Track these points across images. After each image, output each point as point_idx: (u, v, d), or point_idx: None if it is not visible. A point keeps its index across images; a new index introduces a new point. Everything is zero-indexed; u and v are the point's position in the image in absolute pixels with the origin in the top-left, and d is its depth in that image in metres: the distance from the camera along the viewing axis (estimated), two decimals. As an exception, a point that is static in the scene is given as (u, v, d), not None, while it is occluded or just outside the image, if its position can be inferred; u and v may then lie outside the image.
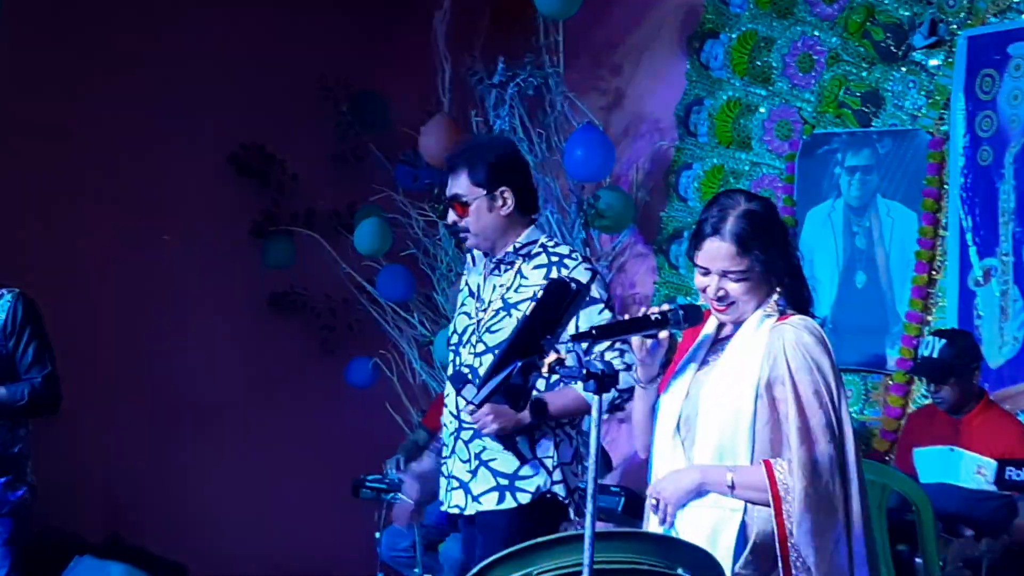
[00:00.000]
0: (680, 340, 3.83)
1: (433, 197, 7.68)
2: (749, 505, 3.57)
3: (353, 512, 6.90)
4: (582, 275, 4.36)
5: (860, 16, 6.86)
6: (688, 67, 7.61)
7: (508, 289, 4.54)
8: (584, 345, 4.18)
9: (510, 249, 4.57)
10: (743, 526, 3.57)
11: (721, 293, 3.64)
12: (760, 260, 3.61)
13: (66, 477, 6.77)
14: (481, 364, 4.52)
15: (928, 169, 6.61)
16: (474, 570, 3.34)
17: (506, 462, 4.48)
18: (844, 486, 3.54)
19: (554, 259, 4.53)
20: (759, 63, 7.29)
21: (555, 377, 3.66)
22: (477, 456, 4.51)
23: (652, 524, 3.69)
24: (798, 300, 3.69)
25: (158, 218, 7.73)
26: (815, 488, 3.49)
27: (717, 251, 3.62)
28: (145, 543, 7.37)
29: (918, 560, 5.45)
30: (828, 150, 6.98)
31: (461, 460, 4.56)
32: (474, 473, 4.52)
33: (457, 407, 4.56)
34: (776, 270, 3.65)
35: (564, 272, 4.45)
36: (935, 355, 5.86)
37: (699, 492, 3.61)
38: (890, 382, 6.67)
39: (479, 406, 4.21)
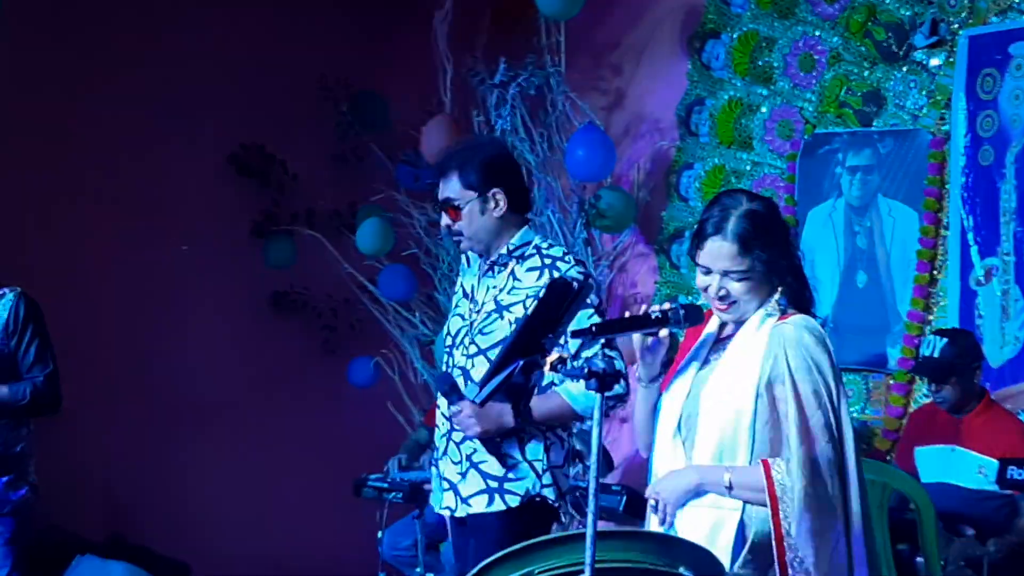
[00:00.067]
0: (682, 340, 3.83)
1: (434, 197, 7.67)
2: (747, 505, 3.57)
3: (355, 511, 6.90)
4: (573, 277, 4.34)
5: (861, 16, 6.87)
6: (689, 67, 7.61)
7: (501, 291, 4.52)
8: (573, 350, 4.19)
9: (504, 251, 4.54)
10: (741, 526, 3.58)
11: (723, 293, 3.64)
12: (762, 260, 3.61)
13: (67, 477, 6.77)
14: (474, 366, 4.51)
15: (929, 169, 6.61)
16: (474, 570, 3.34)
17: (496, 465, 4.47)
18: (843, 486, 3.54)
19: (547, 261, 4.50)
20: (760, 63, 7.30)
21: (548, 379, 3.65)
22: (468, 458, 4.50)
23: (652, 524, 3.70)
24: (799, 300, 3.69)
25: (158, 218, 7.72)
26: (814, 488, 3.49)
27: (719, 251, 3.62)
28: (147, 543, 7.38)
29: (919, 559, 5.45)
30: (829, 150, 6.98)
31: (452, 462, 4.55)
32: (464, 475, 4.51)
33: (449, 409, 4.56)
34: (778, 270, 3.65)
35: (557, 275, 4.43)
36: (936, 354, 5.86)
37: (697, 492, 3.61)
38: (891, 381, 6.67)
39: (481, 405, 4.20)
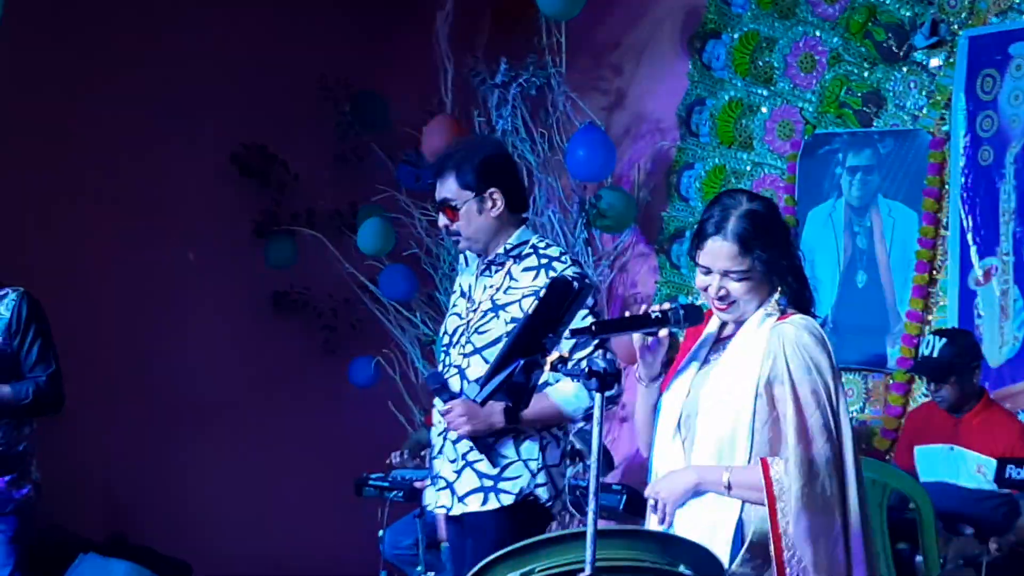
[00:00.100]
0: (682, 340, 3.84)
1: (433, 197, 7.67)
2: (746, 504, 3.57)
3: (356, 510, 6.90)
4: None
5: (862, 16, 6.87)
6: (690, 67, 7.62)
7: (497, 290, 4.53)
8: (565, 349, 4.19)
9: (501, 250, 4.55)
10: (740, 525, 3.58)
11: (722, 293, 3.64)
12: (762, 260, 3.61)
13: (69, 476, 6.77)
14: (469, 365, 4.52)
15: (929, 169, 6.62)
16: (475, 568, 3.34)
17: (488, 464, 4.48)
18: (841, 485, 3.54)
19: (543, 261, 4.51)
20: (761, 63, 7.30)
21: (543, 379, 3.65)
22: (463, 456, 4.51)
23: (652, 524, 3.70)
24: (799, 300, 3.69)
25: (158, 218, 7.72)
26: (812, 487, 3.49)
27: (719, 251, 3.62)
28: (148, 542, 7.38)
29: (918, 558, 5.46)
30: (829, 150, 6.99)
31: (448, 460, 4.56)
32: (459, 473, 4.52)
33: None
34: (778, 270, 3.65)
35: (552, 275, 4.44)
36: (935, 354, 5.86)
37: (697, 492, 3.62)
38: (891, 381, 6.68)
39: (482, 404, 4.20)
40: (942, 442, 5.88)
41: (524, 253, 4.54)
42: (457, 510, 4.51)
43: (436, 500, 4.60)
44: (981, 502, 5.55)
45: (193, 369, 7.78)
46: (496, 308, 4.50)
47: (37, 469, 5.22)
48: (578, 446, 5.65)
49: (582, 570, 3.15)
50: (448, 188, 4.56)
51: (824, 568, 3.49)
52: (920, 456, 5.97)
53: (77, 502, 7.15)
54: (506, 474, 4.45)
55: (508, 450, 4.46)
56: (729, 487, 3.56)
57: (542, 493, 4.45)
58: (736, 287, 3.63)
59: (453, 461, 4.54)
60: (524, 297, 4.45)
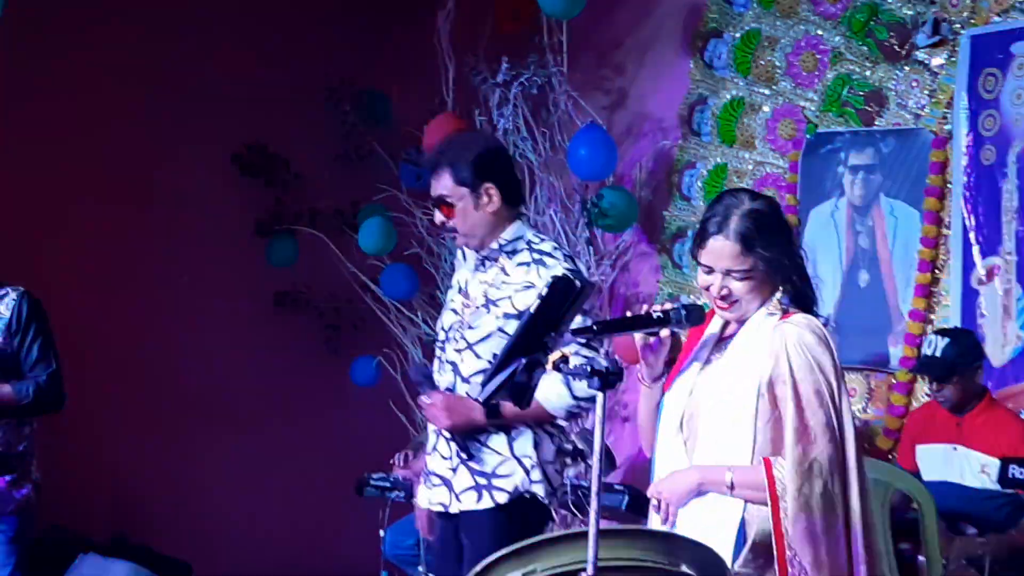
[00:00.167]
0: (685, 339, 3.83)
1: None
2: (748, 504, 3.57)
3: (357, 510, 6.89)
4: (560, 273, 4.33)
5: (864, 15, 6.86)
6: (692, 66, 7.62)
7: (491, 286, 4.53)
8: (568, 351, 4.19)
9: (495, 246, 4.55)
10: (742, 525, 3.58)
11: (724, 292, 3.64)
12: (764, 259, 3.61)
13: (70, 476, 6.77)
14: (463, 361, 4.52)
15: (931, 168, 6.61)
16: (477, 568, 3.34)
17: (485, 461, 4.47)
18: (843, 485, 3.54)
19: (536, 256, 4.51)
20: (763, 62, 7.29)
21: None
22: (458, 454, 4.51)
23: (655, 524, 3.70)
24: (802, 299, 3.69)
25: (159, 217, 7.72)
26: (810, 487, 3.49)
27: (721, 250, 3.62)
28: (149, 541, 7.38)
29: (921, 558, 5.45)
30: (831, 149, 6.98)
31: (442, 457, 4.56)
32: (455, 471, 4.52)
33: None
34: (780, 269, 3.65)
35: (543, 270, 4.43)
36: (938, 354, 5.86)
37: (699, 492, 3.62)
38: (893, 381, 6.67)
39: (485, 403, 4.20)
40: (945, 442, 5.88)
41: (518, 248, 4.53)
42: (455, 508, 4.51)
43: (429, 498, 4.60)
44: (984, 502, 5.54)
45: (194, 369, 7.77)
46: (488, 303, 4.50)
47: (37, 469, 5.22)
48: (580, 446, 5.65)
49: (584, 570, 3.14)
50: (443, 184, 4.55)
51: (825, 568, 3.49)
52: (923, 456, 5.96)
53: (77, 502, 7.14)
54: (500, 472, 4.45)
55: (500, 447, 4.46)
56: (732, 487, 3.56)
57: (538, 490, 4.45)
58: (738, 286, 3.63)
59: (447, 458, 4.53)
60: (516, 292, 4.45)
